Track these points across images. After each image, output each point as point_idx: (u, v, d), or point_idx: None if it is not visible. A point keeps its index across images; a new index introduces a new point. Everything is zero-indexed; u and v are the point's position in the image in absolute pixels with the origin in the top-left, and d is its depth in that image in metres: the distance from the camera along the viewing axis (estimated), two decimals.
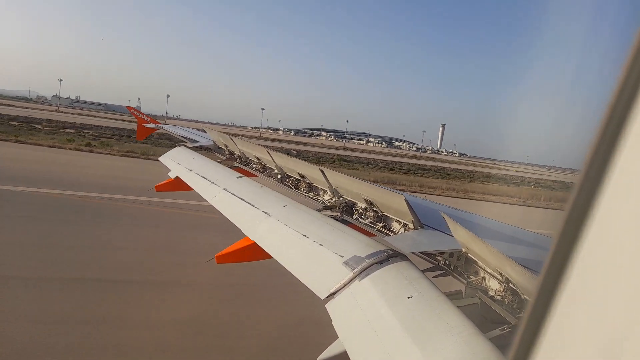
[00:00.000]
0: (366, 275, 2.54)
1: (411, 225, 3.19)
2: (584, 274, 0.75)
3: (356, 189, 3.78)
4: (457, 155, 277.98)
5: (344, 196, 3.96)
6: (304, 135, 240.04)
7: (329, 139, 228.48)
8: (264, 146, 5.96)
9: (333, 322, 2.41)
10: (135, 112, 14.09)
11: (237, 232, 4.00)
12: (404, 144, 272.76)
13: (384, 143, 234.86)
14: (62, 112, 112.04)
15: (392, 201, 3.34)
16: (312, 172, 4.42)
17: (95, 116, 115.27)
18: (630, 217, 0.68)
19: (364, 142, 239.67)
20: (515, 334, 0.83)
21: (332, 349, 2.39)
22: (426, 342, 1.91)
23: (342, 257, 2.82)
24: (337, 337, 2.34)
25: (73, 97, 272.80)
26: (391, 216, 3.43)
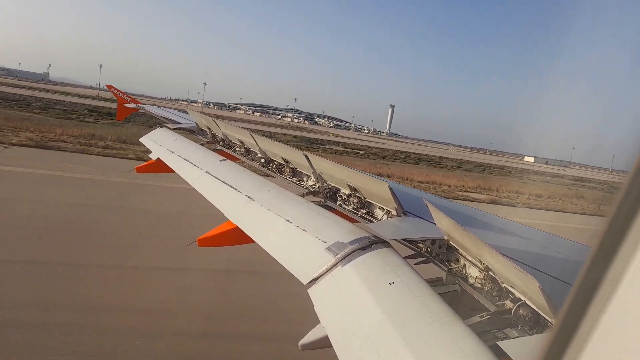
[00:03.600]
0: (349, 262, 2.55)
1: (394, 212, 3.20)
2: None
3: (340, 174, 3.77)
4: (384, 134, 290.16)
5: (327, 182, 3.95)
6: (222, 109, 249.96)
7: (247, 112, 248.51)
8: (248, 129, 5.88)
9: (315, 307, 2.41)
10: (115, 91, 13.70)
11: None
12: (324, 120, 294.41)
13: (301, 118, 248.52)
14: None
15: (375, 188, 3.34)
16: (296, 157, 4.38)
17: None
18: None
19: (280, 117, 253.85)
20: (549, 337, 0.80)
21: (314, 334, 2.41)
22: (407, 328, 1.94)
23: (325, 242, 2.82)
24: (318, 322, 2.36)
25: None
26: (374, 203, 3.44)
